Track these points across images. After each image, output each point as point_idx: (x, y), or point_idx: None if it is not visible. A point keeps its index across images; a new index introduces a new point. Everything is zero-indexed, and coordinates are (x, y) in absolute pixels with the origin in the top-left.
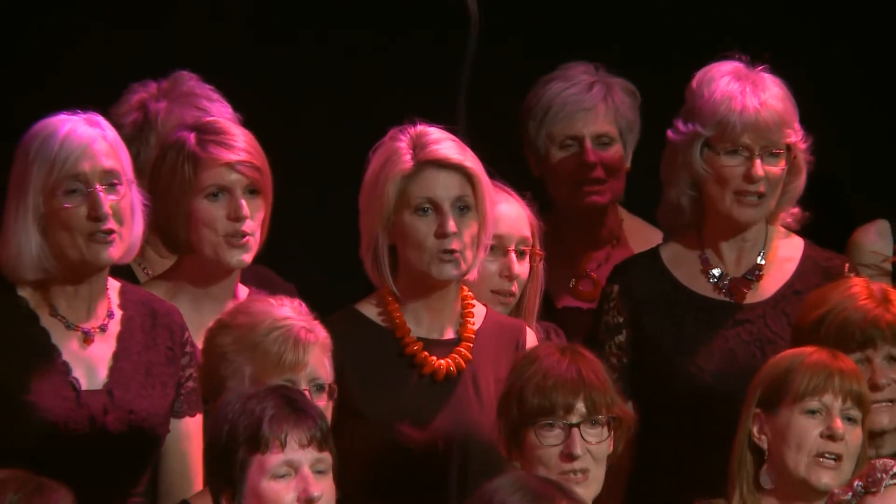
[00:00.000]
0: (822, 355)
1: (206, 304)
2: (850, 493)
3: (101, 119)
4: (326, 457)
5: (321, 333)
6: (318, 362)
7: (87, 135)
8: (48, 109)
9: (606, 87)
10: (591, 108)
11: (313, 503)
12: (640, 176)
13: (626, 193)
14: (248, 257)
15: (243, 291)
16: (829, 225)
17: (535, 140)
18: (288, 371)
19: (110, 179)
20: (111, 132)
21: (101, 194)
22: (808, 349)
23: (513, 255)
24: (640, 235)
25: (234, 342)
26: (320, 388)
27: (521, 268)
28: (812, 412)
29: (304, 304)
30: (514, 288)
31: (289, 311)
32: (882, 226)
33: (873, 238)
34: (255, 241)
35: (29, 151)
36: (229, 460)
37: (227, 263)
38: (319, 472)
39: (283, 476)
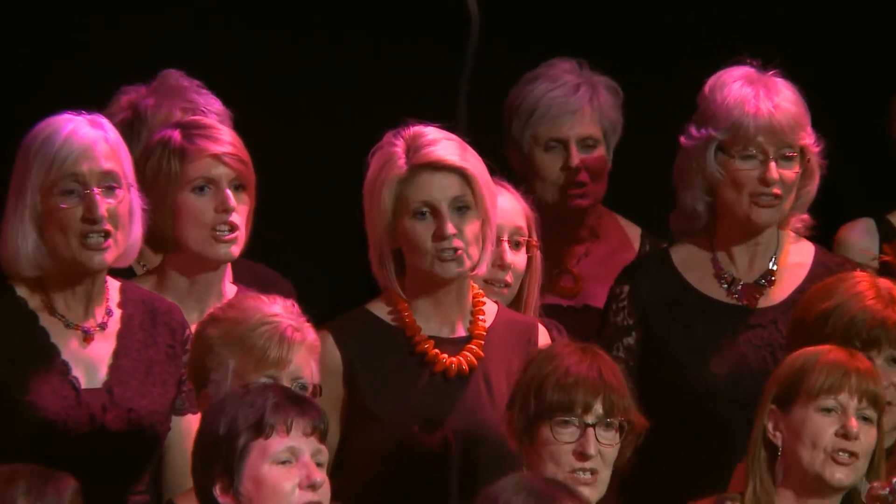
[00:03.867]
0: (839, 354)
1: (190, 303)
2: (888, 490)
3: (104, 121)
4: (325, 451)
5: (309, 334)
6: (304, 362)
7: (89, 136)
8: (47, 110)
9: (592, 89)
10: (577, 110)
11: (316, 489)
12: (618, 173)
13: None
14: (235, 250)
15: (231, 290)
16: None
17: (519, 139)
18: (271, 367)
19: (109, 182)
20: (114, 134)
21: (98, 196)
22: (825, 347)
23: (505, 245)
24: (618, 231)
25: (222, 335)
26: (303, 388)
27: (517, 258)
28: (827, 410)
29: (296, 305)
30: (509, 278)
31: (279, 308)
32: (868, 224)
33: (860, 236)
34: (242, 235)
35: (30, 149)
36: (228, 448)
37: (214, 257)
38: (318, 464)
39: (284, 462)
